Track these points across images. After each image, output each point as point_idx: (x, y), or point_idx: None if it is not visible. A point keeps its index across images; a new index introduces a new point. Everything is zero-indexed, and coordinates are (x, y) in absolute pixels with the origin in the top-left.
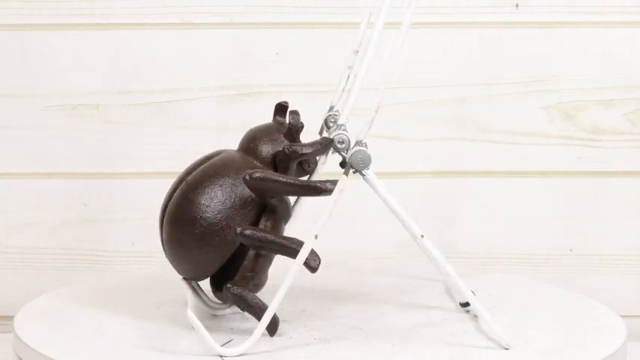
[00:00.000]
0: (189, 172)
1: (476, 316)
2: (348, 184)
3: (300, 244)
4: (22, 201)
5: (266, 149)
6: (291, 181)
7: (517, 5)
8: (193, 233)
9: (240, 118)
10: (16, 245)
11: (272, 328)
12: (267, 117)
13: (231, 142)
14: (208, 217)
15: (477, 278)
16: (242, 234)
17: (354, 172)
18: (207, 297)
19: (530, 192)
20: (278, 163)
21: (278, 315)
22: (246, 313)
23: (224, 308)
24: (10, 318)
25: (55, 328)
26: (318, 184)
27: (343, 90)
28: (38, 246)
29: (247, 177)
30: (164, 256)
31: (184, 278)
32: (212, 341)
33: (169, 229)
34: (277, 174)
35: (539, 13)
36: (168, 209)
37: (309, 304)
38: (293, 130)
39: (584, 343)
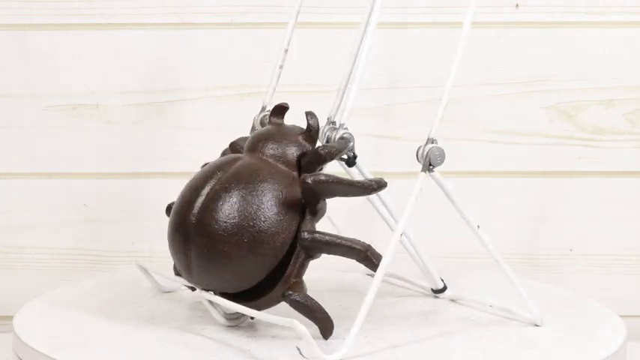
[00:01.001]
0: (206, 180)
1: (453, 300)
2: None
3: (362, 244)
4: (22, 201)
5: (291, 152)
6: (353, 181)
7: (517, 5)
8: (241, 242)
9: (240, 118)
10: (16, 245)
11: (328, 331)
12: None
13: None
14: (257, 224)
15: (476, 278)
16: (310, 238)
17: (430, 170)
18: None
19: (530, 192)
20: (306, 165)
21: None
22: (257, 324)
23: (236, 319)
24: (10, 318)
25: (54, 328)
26: (373, 184)
27: (275, 90)
28: (38, 246)
29: (310, 180)
30: (164, 256)
31: (204, 289)
32: (318, 350)
33: (207, 240)
34: (336, 176)
35: (539, 13)
36: (199, 221)
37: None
38: (313, 132)
39: (583, 343)
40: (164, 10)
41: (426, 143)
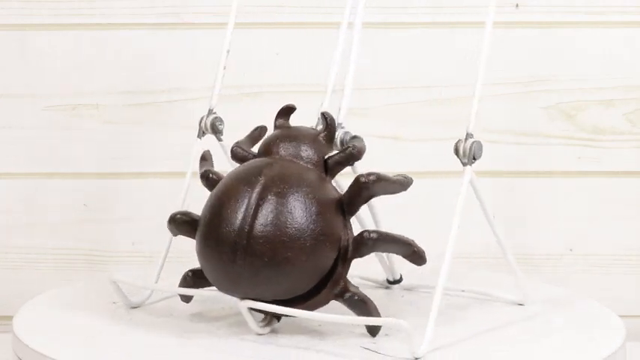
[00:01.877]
0: (247, 186)
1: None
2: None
3: (411, 241)
4: (22, 201)
5: (317, 153)
6: (395, 179)
7: (517, 5)
8: (304, 247)
9: (240, 118)
10: (16, 245)
11: (377, 329)
12: (267, 117)
13: (231, 141)
14: (317, 227)
15: (476, 278)
16: (376, 236)
17: (472, 163)
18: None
19: (530, 192)
20: (334, 165)
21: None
22: (277, 327)
23: (264, 326)
24: (10, 318)
25: (54, 328)
26: (409, 179)
27: (219, 92)
28: (38, 246)
29: (370, 179)
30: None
31: (248, 298)
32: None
33: (267, 248)
34: (381, 173)
35: (539, 13)
36: (253, 229)
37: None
38: (332, 132)
39: (583, 343)
40: (164, 10)
41: (466, 138)
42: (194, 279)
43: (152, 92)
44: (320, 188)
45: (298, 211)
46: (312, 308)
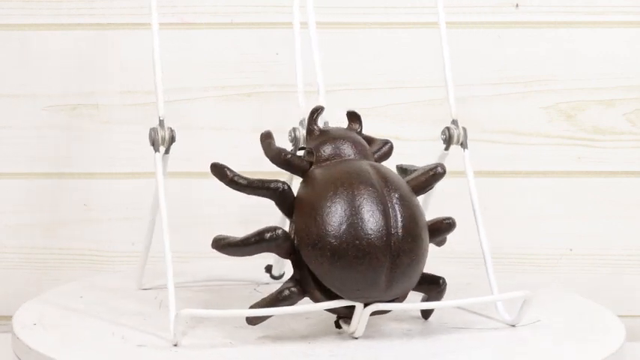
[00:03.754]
0: (376, 189)
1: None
2: None
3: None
4: (22, 201)
5: (369, 150)
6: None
7: (517, 5)
8: (426, 240)
9: (240, 118)
10: (16, 245)
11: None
12: (267, 117)
13: (231, 141)
14: (424, 218)
15: (476, 278)
16: (453, 222)
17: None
18: None
19: (530, 192)
20: (379, 160)
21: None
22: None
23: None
24: (9, 318)
25: (53, 328)
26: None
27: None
28: (38, 246)
29: (444, 170)
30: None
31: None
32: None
33: (413, 247)
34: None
35: (539, 13)
36: (404, 231)
37: None
38: (361, 132)
39: (582, 344)
40: (164, 10)
41: (452, 123)
42: (297, 294)
43: (152, 92)
44: None
45: (417, 206)
46: (402, 300)
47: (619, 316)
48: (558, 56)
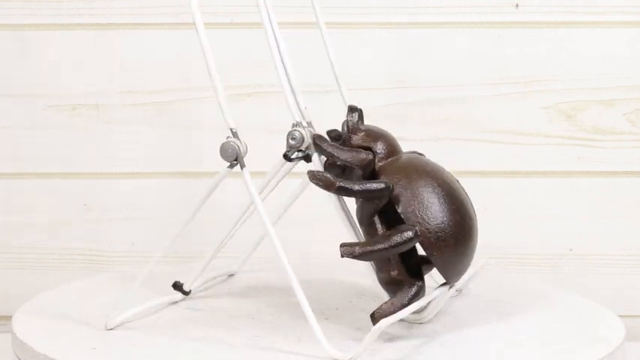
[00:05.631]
0: (449, 181)
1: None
2: None
3: None
4: (23, 201)
5: None
6: None
7: (517, 5)
8: None
9: (240, 118)
10: (16, 245)
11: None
12: (267, 117)
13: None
14: None
15: (475, 278)
16: None
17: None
18: None
19: (530, 192)
20: None
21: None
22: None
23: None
24: (9, 318)
25: (53, 328)
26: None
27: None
28: (38, 246)
29: None
30: (163, 256)
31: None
32: None
33: (475, 233)
34: None
35: (539, 13)
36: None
37: None
38: None
39: (582, 343)
40: (164, 10)
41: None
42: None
43: (152, 92)
44: None
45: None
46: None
47: (619, 316)
48: (558, 56)
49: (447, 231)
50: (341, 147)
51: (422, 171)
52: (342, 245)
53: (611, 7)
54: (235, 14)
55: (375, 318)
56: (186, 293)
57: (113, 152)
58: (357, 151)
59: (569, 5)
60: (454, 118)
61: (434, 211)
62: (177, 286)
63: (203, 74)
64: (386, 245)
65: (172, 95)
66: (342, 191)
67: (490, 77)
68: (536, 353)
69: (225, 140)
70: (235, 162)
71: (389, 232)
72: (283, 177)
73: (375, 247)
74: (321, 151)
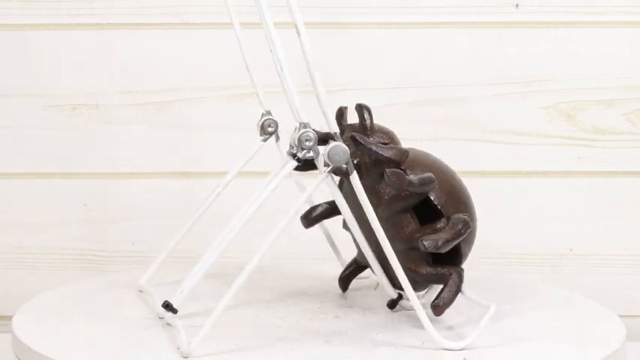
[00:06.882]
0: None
1: None
2: None
3: None
4: (22, 201)
5: None
6: None
7: (517, 5)
8: None
9: (240, 118)
10: (16, 245)
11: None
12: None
13: (231, 142)
14: None
15: (475, 278)
16: None
17: None
18: None
19: (530, 192)
20: None
21: None
22: None
23: None
24: (9, 318)
25: (53, 328)
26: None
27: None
28: (38, 246)
29: None
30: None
31: None
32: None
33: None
34: None
35: (539, 13)
36: None
37: None
38: None
39: (582, 343)
40: (164, 10)
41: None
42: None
43: (152, 92)
44: None
45: None
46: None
47: (619, 316)
48: (558, 56)
49: (474, 217)
50: (382, 145)
51: (443, 167)
52: (426, 239)
53: (611, 7)
54: (235, 14)
55: (439, 307)
56: (175, 312)
57: (113, 152)
58: (397, 149)
59: (569, 5)
60: (454, 118)
61: (466, 199)
62: (168, 306)
63: (203, 74)
64: (456, 235)
65: (172, 95)
66: (410, 187)
67: (490, 77)
68: (536, 353)
69: (333, 144)
70: (345, 166)
71: (448, 224)
72: (284, 177)
73: (450, 237)
74: (363, 149)
